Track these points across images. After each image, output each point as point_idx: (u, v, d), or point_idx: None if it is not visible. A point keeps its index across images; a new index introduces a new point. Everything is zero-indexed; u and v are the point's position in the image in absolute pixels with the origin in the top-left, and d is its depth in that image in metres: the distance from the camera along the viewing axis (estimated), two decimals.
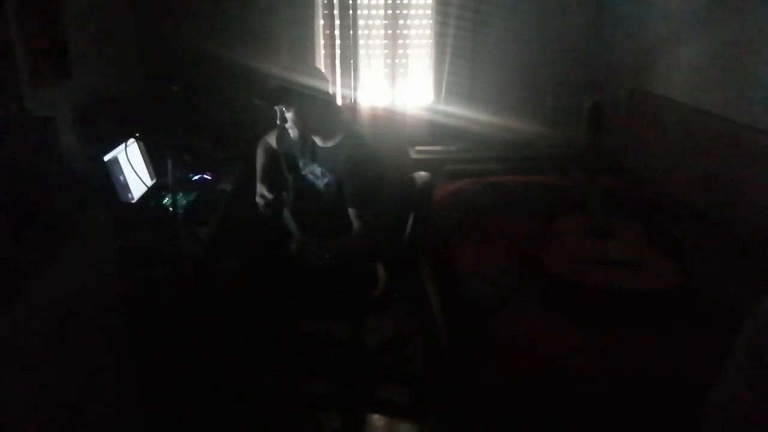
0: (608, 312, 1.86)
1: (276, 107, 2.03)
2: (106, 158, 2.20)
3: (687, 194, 2.59)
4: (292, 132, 2.08)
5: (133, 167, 2.19)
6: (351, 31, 3.20)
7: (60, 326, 1.27)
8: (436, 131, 3.42)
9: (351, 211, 2.03)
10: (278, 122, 2.06)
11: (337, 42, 3.23)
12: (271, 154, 2.37)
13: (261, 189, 2.25)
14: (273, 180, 2.29)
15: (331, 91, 2.42)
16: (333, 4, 3.15)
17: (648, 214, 2.49)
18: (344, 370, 2.42)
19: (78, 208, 1.49)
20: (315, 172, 2.16)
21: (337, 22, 3.19)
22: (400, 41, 3.31)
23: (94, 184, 2.17)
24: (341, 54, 3.25)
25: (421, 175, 2.15)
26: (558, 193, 2.75)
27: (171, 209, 2.02)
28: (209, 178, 2.63)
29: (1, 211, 1.20)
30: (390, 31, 3.28)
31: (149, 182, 2.46)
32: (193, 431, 2.08)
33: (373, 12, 3.27)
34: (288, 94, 1.99)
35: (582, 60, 3.42)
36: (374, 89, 3.39)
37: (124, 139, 2.28)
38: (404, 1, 3.24)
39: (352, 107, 3.33)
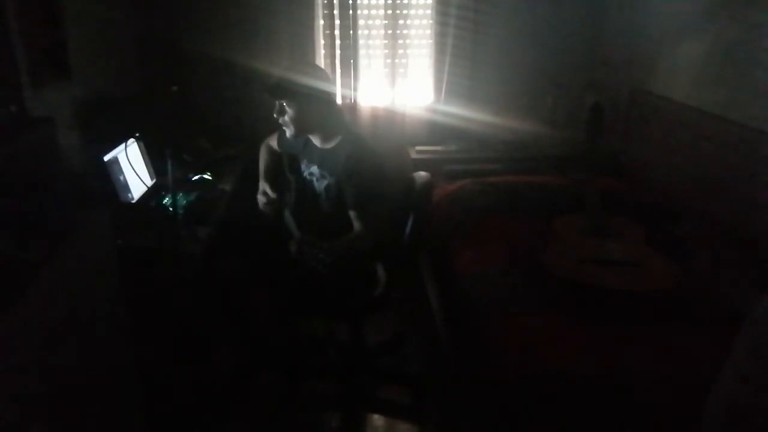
0: (608, 312, 1.86)
1: (278, 101, 2.03)
2: (106, 158, 2.20)
3: (687, 194, 2.59)
4: (288, 130, 2.08)
5: (133, 167, 2.19)
6: (351, 31, 3.20)
7: (60, 326, 1.27)
8: (436, 131, 3.42)
9: (352, 213, 2.02)
10: (275, 115, 2.06)
11: (337, 42, 3.23)
12: (273, 156, 2.37)
13: (263, 186, 2.24)
14: (275, 180, 2.29)
15: (332, 90, 2.42)
16: (333, 4, 3.15)
17: (648, 214, 2.49)
18: (344, 370, 2.42)
19: (78, 208, 1.49)
20: (315, 174, 2.16)
21: (337, 22, 3.19)
22: (400, 41, 3.30)
23: (94, 184, 2.17)
24: (341, 54, 3.25)
25: (421, 175, 2.14)
26: (558, 193, 2.75)
27: (171, 209, 2.02)
28: (209, 178, 2.63)
29: (1, 211, 1.20)
30: (390, 31, 3.27)
31: (149, 182, 2.46)
32: (193, 431, 2.09)
33: (373, 12, 3.26)
34: (292, 89, 1.99)
35: (582, 60, 3.42)
36: (374, 89, 3.39)
37: (124, 139, 2.27)
38: (404, 1, 3.24)
39: (352, 107, 3.33)
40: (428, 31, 3.33)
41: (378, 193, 2.03)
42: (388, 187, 2.08)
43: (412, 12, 3.29)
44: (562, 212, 2.46)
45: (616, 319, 1.83)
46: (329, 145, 2.10)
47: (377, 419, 2.27)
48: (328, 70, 3.25)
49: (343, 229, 2.04)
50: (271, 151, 2.38)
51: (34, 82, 1.96)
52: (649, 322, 1.83)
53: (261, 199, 2.21)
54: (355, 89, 3.30)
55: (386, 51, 3.32)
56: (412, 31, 3.33)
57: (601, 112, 2.56)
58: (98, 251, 1.52)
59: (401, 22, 3.27)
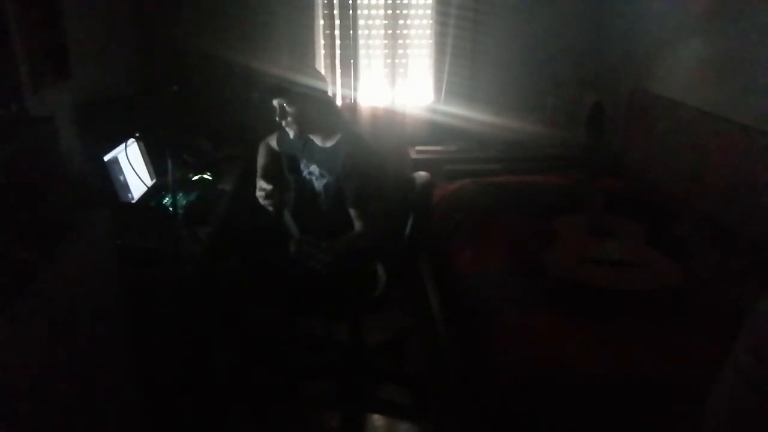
0: (608, 312, 1.86)
1: (275, 101, 2.03)
2: (106, 158, 2.20)
3: (687, 194, 2.59)
4: (291, 130, 2.08)
5: (133, 167, 2.19)
6: (351, 31, 3.20)
7: (60, 326, 1.27)
8: (436, 131, 3.42)
9: (352, 212, 2.03)
10: (277, 118, 2.06)
11: (337, 42, 3.23)
12: (273, 155, 2.37)
13: (260, 183, 2.25)
14: (272, 176, 2.29)
15: (330, 91, 2.42)
16: (333, 4, 3.15)
17: (648, 214, 2.49)
18: (344, 370, 2.42)
19: (78, 208, 1.49)
20: (314, 173, 2.16)
21: (337, 22, 3.19)
22: (400, 41, 3.30)
23: (94, 184, 2.17)
24: (341, 54, 3.25)
25: (421, 175, 2.14)
26: (558, 193, 2.75)
27: (171, 209, 2.02)
28: (209, 178, 2.63)
29: (1, 211, 1.20)
30: (390, 31, 3.27)
31: (149, 182, 2.46)
32: (193, 431, 2.09)
33: (373, 12, 3.26)
34: (288, 89, 2.00)
35: (582, 60, 3.42)
36: (374, 89, 3.39)
37: (124, 139, 2.28)
38: (404, 1, 3.24)
39: (352, 107, 3.33)
40: (428, 31, 3.34)
41: (378, 192, 2.03)
42: (388, 186, 2.09)
43: (412, 12, 3.30)
44: (562, 212, 2.46)
45: (616, 319, 1.83)
46: (329, 144, 2.11)
47: (377, 419, 2.27)
48: (328, 70, 3.25)
49: (342, 229, 2.04)
50: (270, 150, 2.38)
51: (34, 82, 1.96)
52: (650, 322, 1.83)
53: (260, 194, 2.22)
54: (355, 89, 3.30)
55: (386, 51, 3.32)
56: (412, 31, 3.33)
57: (601, 112, 2.56)
58: (98, 251, 1.52)
59: (401, 22, 3.27)
